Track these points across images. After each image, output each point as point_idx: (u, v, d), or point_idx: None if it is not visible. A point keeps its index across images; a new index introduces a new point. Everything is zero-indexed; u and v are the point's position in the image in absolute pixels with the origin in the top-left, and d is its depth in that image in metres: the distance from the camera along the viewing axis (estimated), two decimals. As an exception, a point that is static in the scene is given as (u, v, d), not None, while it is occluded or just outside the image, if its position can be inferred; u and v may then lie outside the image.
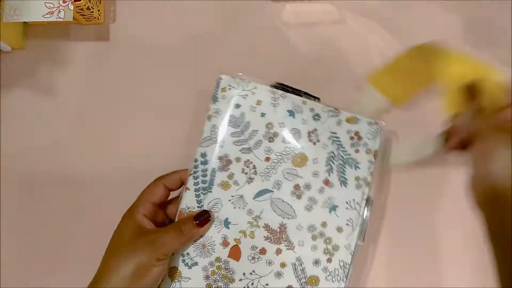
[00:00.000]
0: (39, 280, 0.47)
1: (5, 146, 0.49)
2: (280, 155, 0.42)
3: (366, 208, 0.41)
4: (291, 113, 0.42)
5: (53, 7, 0.44)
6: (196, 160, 0.41)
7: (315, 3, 0.50)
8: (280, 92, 0.43)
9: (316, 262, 0.41)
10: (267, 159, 0.42)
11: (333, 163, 0.42)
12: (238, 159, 0.41)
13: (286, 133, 0.42)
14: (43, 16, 0.44)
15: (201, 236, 0.41)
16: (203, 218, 0.40)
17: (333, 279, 0.40)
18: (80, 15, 0.47)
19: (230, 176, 0.41)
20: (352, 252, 0.41)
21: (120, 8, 0.51)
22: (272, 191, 0.41)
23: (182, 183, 0.42)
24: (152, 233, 0.39)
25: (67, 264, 0.47)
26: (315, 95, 0.43)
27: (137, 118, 0.49)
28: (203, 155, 0.41)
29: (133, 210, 0.40)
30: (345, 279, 0.41)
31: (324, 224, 0.41)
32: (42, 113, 0.50)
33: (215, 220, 0.41)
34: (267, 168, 0.41)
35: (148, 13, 0.50)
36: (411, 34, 0.49)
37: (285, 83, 0.43)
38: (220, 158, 0.41)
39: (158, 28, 0.51)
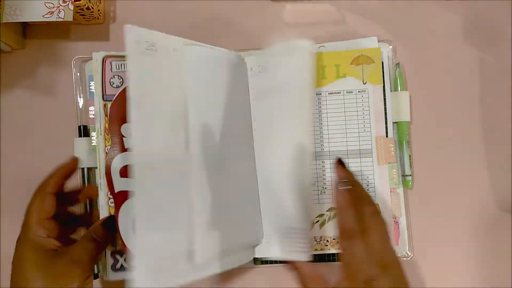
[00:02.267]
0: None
1: (5, 146, 0.49)
2: None
3: None
4: None
5: (53, 7, 0.44)
6: None
7: (315, 3, 0.50)
8: None
9: None
10: None
11: None
12: None
13: None
14: (43, 16, 0.44)
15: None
16: (111, 223, 0.39)
17: None
18: (80, 15, 0.47)
19: None
20: None
21: (120, 8, 0.51)
22: None
23: (66, 179, 0.40)
24: (67, 252, 0.36)
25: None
26: None
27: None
28: None
29: (30, 235, 0.36)
30: None
31: None
32: (42, 113, 0.50)
33: None
34: None
35: (148, 13, 0.50)
36: (411, 34, 0.49)
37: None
38: None
39: (158, 28, 0.50)
